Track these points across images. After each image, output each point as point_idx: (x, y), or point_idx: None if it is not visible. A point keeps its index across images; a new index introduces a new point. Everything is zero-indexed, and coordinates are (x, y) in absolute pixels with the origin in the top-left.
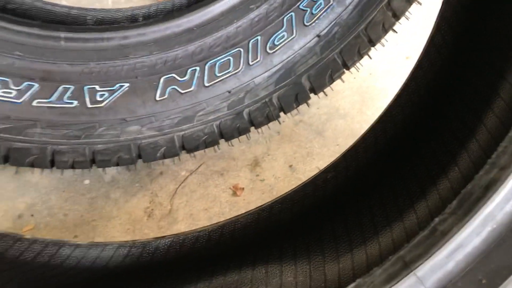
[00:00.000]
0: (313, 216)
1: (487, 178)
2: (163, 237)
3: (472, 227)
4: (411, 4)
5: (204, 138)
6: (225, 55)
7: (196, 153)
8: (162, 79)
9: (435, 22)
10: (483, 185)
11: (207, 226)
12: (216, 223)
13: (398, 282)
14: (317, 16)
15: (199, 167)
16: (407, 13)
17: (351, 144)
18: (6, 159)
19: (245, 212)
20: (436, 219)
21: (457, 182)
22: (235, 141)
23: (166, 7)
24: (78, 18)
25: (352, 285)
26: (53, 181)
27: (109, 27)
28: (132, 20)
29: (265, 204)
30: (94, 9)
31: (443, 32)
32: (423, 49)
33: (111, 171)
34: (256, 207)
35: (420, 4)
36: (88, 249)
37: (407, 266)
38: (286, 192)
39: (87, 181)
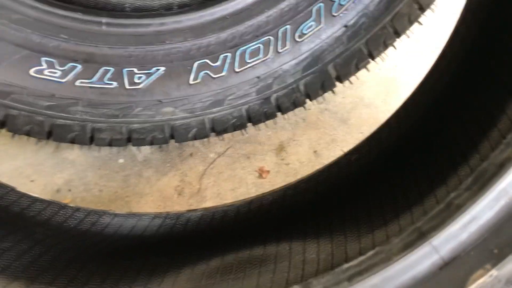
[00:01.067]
0: (336, 197)
1: (502, 157)
2: (195, 210)
3: (485, 201)
4: None
5: (233, 121)
6: (256, 42)
7: (224, 136)
8: (195, 64)
9: (460, 13)
10: (497, 163)
11: (236, 201)
12: (244, 199)
13: (414, 250)
14: (345, 7)
15: (227, 150)
16: (432, 6)
17: (375, 129)
18: (49, 135)
19: (272, 190)
20: (452, 194)
21: None
22: (261, 126)
23: None
24: (117, 6)
25: (372, 252)
26: (89, 159)
27: (147, 14)
28: (168, 8)
29: (291, 183)
30: None
31: (468, 23)
32: (448, 39)
33: (144, 151)
34: (282, 186)
35: None
36: (126, 218)
37: (423, 236)
38: (312, 173)
39: (121, 160)
